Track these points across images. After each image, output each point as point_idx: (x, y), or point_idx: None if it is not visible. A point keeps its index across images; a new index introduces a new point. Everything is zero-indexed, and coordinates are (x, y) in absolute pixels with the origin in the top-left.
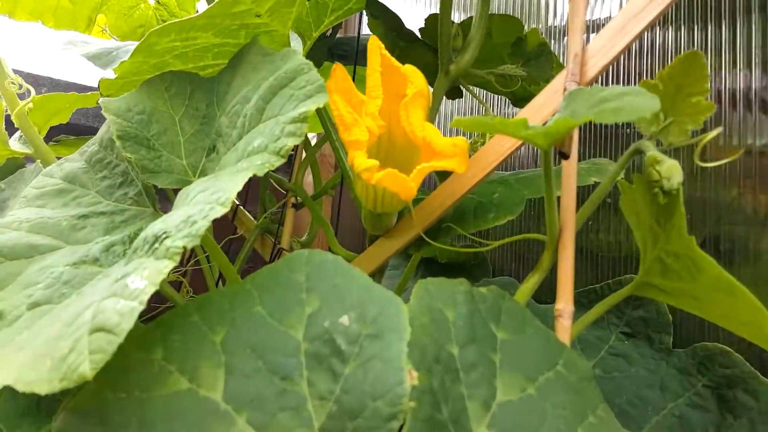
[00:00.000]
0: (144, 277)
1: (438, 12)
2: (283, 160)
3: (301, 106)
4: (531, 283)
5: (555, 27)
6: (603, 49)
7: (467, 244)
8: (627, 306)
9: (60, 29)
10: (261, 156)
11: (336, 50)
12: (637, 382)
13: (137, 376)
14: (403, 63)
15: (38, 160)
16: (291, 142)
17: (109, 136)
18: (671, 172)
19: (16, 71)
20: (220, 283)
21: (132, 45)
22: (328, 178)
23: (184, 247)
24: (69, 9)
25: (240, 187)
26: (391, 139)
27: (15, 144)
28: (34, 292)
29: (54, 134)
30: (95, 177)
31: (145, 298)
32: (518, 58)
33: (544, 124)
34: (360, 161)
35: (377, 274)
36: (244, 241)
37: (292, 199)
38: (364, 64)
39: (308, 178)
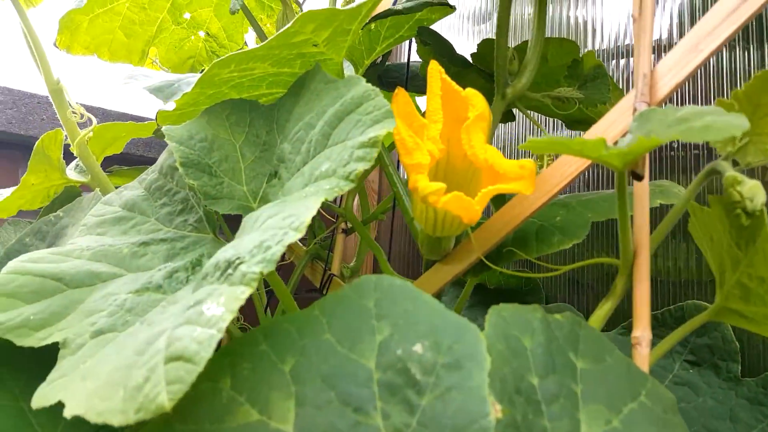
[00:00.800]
0: (220, 303)
1: (490, 38)
2: (353, 185)
3: (369, 131)
4: (604, 310)
5: (603, 50)
6: (674, 69)
7: (519, 269)
8: (691, 333)
9: (115, 62)
10: (329, 180)
11: (385, 77)
12: (705, 413)
13: (206, 406)
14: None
15: (96, 188)
16: (361, 167)
17: (169, 164)
18: (754, 192)
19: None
20: (269, 310)
21: (193, 77)
22: (372, 204)
23: (261, 273)
24: (124, 42)
25: (313, 212)
26: (450, 161)
27: (72, 173)
28: (97, 320)
29: (106, 164)
30: (155, 204)
31: (224, 325)
32: (574, 81)
33: (615, 144)
34: (424, 184)
35: None
36: (293, 268)
37: (342, 225)
38: (414, 91)
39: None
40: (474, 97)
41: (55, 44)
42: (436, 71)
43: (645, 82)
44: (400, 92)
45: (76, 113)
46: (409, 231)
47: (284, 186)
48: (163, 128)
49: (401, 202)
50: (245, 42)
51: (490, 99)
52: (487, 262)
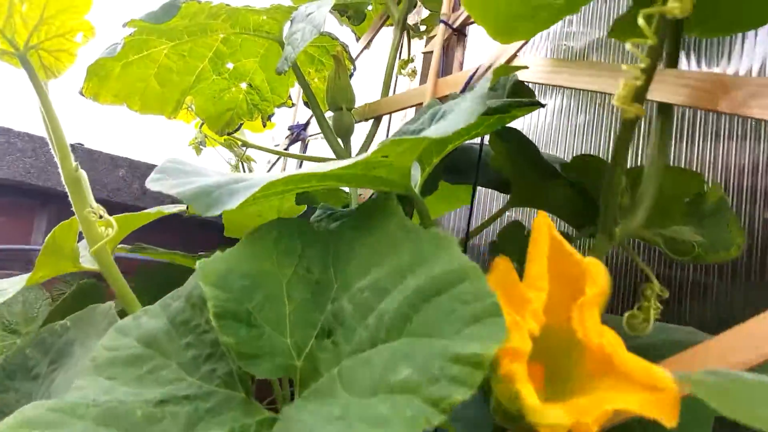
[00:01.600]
0: None
1: (591, 155)
2: (443, 418)
3: (469, 340)
4: None
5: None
6: None
7: None
8: None
9: (145, 113)
10: (411, 401)
11: (451, 164)
12: None
13: None
14: (537, 197)
15: (112, 303)
16: (456, 396)
17: (198, 293)
18: None
19: (94, 152)
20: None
21: (237, 185)
22: None
23: None
24: (157, 92)
25: None
26: (546, 327)
27: (84, 260)
28: None
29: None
30: (179, 343)
31: None
32: (693, 218)
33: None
34: (534, 406)
35: None
36: None
37: None
38: (483, 185)
39: None
40: (595, 268)
41: (80, 92)
42: (545, 226)
43: None
44: (502, 261)
45: (95, 213)
46: None
47: (341, 360)
48: (197, 264)
49: None
50: (289, 96)
51: (579, 215)
52: None
